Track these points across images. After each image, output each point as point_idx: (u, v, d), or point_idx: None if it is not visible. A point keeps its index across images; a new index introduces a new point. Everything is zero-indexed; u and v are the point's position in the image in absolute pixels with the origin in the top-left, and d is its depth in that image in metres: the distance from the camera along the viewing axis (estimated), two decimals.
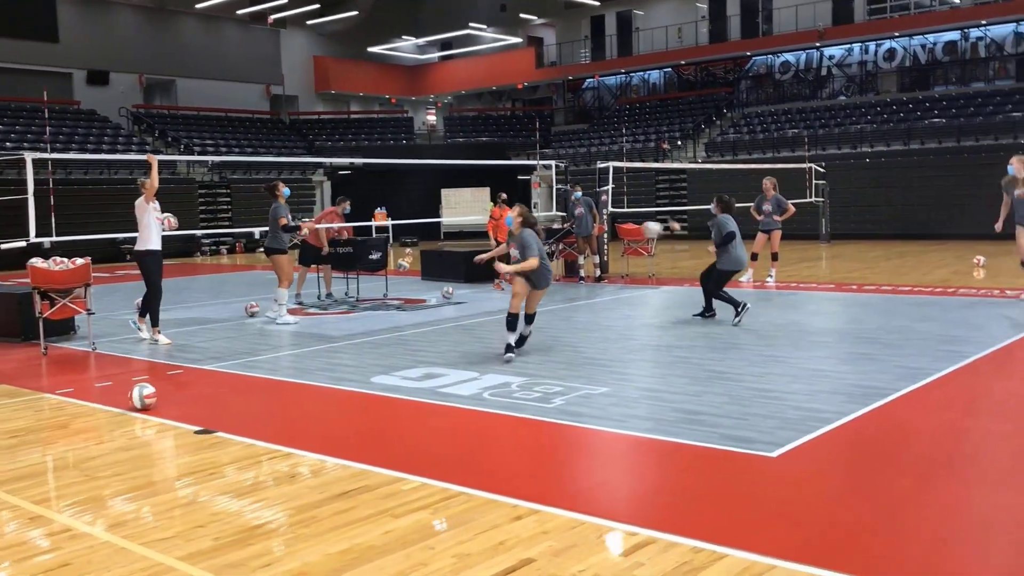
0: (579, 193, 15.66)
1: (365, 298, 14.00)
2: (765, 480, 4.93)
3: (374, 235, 21.60)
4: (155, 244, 10.01)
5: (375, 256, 14.11)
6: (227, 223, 29.41)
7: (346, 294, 14.34)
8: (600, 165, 16.28)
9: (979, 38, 28.92)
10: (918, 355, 8.12)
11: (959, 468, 5.10)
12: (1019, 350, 8.38)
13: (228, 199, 30.54)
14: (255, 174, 31.20)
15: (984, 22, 28.19)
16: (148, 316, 10.34)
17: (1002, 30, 28.42)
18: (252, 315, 12.29)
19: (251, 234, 27.79)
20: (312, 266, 13.99)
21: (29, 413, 7.05)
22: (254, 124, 35.75)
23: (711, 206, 11.08)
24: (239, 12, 34.62)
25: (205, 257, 28.04)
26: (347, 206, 14.18)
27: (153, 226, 9.95)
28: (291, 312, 12.15)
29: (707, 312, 10.89)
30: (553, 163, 16.74)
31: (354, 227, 15.52)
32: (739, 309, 10.25)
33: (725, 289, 10.68)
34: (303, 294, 13.92)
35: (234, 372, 8.45)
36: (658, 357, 8.57)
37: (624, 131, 29.97)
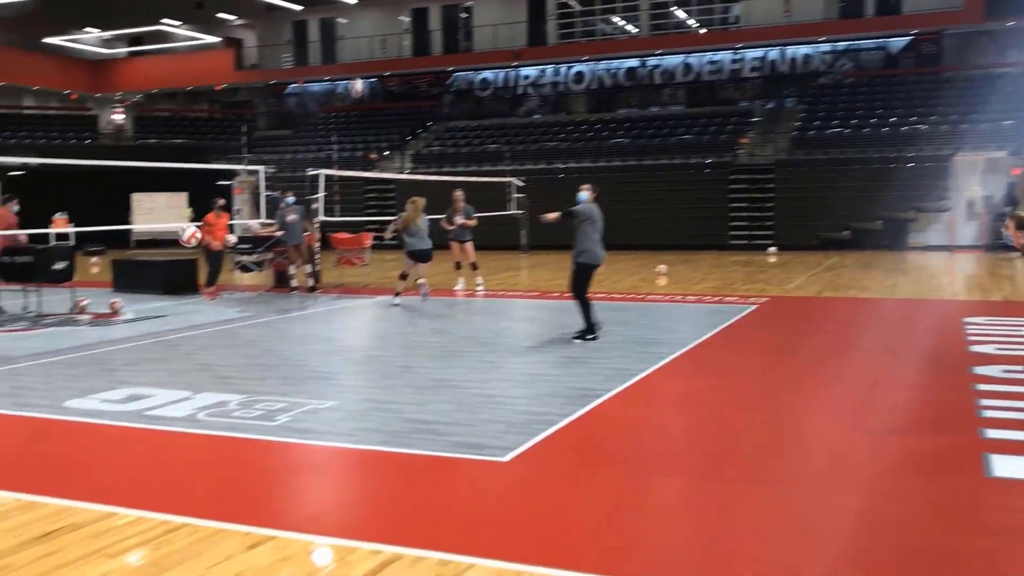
0: (291, 199, 15.19)
1: (49, 313, 12.60)
2: (500, 485, 5.03)
3: (54, 242, 19.59)
4: None
5: (60, 266, 12.75)
6: None
7: (24, 309, 12.82)
8: (311, 172, 15.90)
9: (655, 67, 31.86)
10: (622, 357, 8.72)
11: (671, 461, 5.52)
12: (705, 350, 9.27)
13: None
14: None
15: (659, 52, 31.13)
16: None
17: (674, 60, 31.53)
18: None
19: None
20: None
21: None
22: None
23: (584, 195, 9.56)
24: None
25: None
26: (15, 205, 12.69)
27: None
28: None
29: (588, 333, 9.57)
30: (262, 169, 16.08)
31: (30, 234, 13.97)
32: (592, 331, 9.51)
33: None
34: None
35: None
36: (381, 368, 8.48)
37: (334, 139, 29.61)
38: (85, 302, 12.74)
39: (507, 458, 5.38)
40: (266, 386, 7.58)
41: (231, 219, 15.14)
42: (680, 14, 31.73)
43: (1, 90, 35.62)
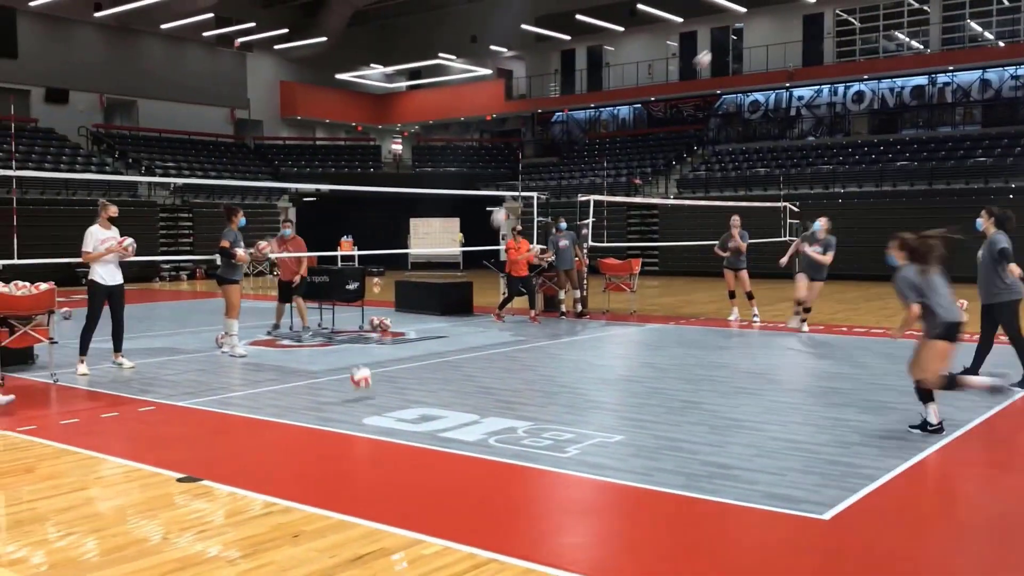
0: (563, 225, 15.26)
1: (341, 330, 13.40)
2: (826, 547, 4.46)
3: (341, 264, 20.99)
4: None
5: (352, 286, 13.55)
6: (188, 248, 28.50)
7: (319, 325, 13.73)
8: (582, 198, 15.92)
9: (946, 84, 29.32)
10: (941, 404, 7.75)
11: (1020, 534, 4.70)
12: None
13: (190, 224, 29.66)
14: (218, 198, 30.40)
15: (951, 68, 28.59)
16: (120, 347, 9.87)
17: (969, 76, 28.84)
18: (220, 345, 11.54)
19: (213, 260, 26.91)
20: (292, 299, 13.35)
21: None
22: (218, 148, 34.97)
23: (980, 220, 8.81)
24: (205, 34, 33.97)
25: (164, 283, 27.12)
26: (285, 228, 13.53)
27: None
28: (263, 344, 11.51)
29: None
30: (535, 195, 16.33)
31: (320, 256, 14.99)
32: None
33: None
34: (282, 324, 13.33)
35: (211, 409, 7.82)
36: (666, 402, 8.08)
37: (604, 164, 29.81)
38: (378, 321, 13.43)
39: (827, 516, 4.81)
40: (549, 414, 7.45)
41: (529, 248, 15.02)
42: (975, 26, 29.02)
43: (298, 123, 39.20)
